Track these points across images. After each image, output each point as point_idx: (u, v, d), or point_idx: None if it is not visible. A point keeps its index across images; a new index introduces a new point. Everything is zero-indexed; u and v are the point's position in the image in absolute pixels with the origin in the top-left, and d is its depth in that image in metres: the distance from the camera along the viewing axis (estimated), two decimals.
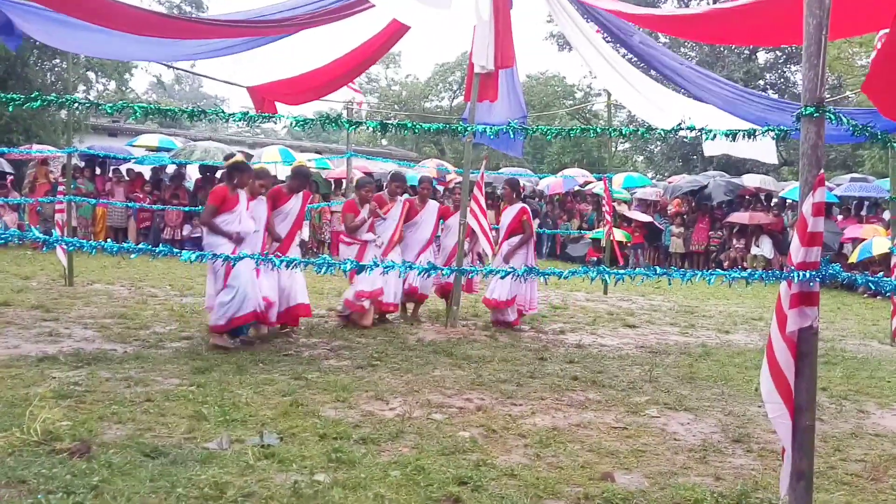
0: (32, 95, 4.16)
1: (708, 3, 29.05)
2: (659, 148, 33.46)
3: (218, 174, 17.10)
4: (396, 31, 8.53)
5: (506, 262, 8.41)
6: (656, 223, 18.49)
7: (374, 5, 7.24)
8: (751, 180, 18.66)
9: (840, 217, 16.68)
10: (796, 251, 3.28)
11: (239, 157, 6.94)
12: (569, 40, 8.53)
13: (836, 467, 4.39)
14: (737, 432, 4.97)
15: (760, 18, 5.25)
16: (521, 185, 9.50)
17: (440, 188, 16.93)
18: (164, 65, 15.03)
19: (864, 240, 14.42)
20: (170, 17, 8.26)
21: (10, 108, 4.31)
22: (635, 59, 8.24)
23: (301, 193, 7.58)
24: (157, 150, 19.14)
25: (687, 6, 30.32)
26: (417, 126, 4.77)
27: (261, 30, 7.55)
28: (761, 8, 4.96)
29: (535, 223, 19.03)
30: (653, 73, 8.40)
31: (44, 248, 5.21)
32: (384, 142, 35.38)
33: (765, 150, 8.51)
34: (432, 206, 8.83)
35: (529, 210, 9.07)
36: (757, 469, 4.30)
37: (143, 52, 8.07)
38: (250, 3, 7.76)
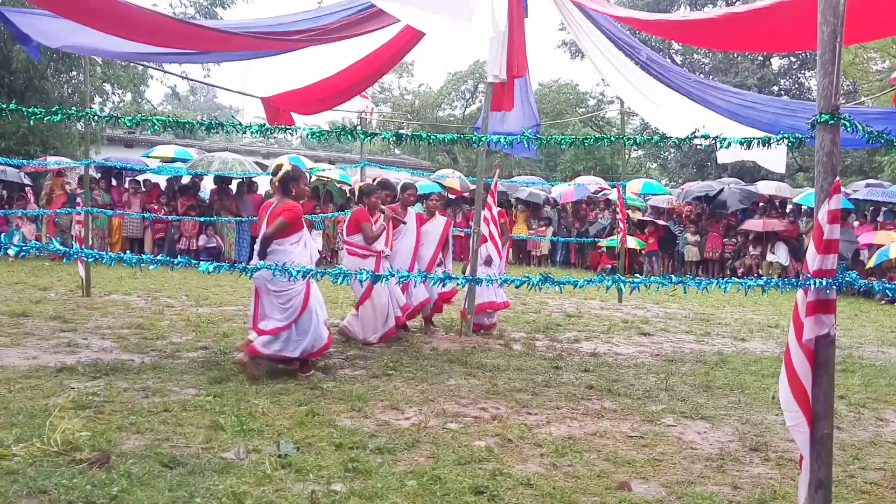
0: (53, 109, 4.20)
1: (721, 7, 28.93)
2: (673, 155, 33.37)
3: (233, 185, 17.26)
4: (409, 40, 8.56)
5: (487, 265, 8.59)
6: (672, 229, 18.41)
7: (394, 22, 7.26)
8: (765, 187, 18.56)
9: (856, 223, 16.56)
10: (812, 259, 3.27)
11: (288, 166, 6.44)
12: (581, 48, 8.52)
13: (855, 476, 4.36)
14: (754, 441, 4.94)
15: (774, 23, 5.23)
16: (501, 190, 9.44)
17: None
18: (181, 76, 15.15)
19: (880, 246, 14.33)
20: (187, 22, 8.28)
21: (32, 122, 4.34)
22: (647, 65, 8.18)
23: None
24: (174, 160, 19.29)
25: (700, 11, 30.21)
26: (432, 136, 4.79)
27: (280, 42, 7.57)
28: (775, 13, 4.94)
29: (549, 231, 19.16)
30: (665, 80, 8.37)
31: (65, 260, 5.27)
32: (397, 151, 35.47)
33: (774, 159, 8.44)
34: (412, 214, 8.68)
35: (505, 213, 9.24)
36: (775, 478, 4.27)
37: (158, 53, 8.09)
38: (266, 14, 7.81)
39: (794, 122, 6.79)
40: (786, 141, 3.86)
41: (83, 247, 9.89)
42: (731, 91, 8.15)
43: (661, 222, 18.29)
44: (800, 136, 3.81)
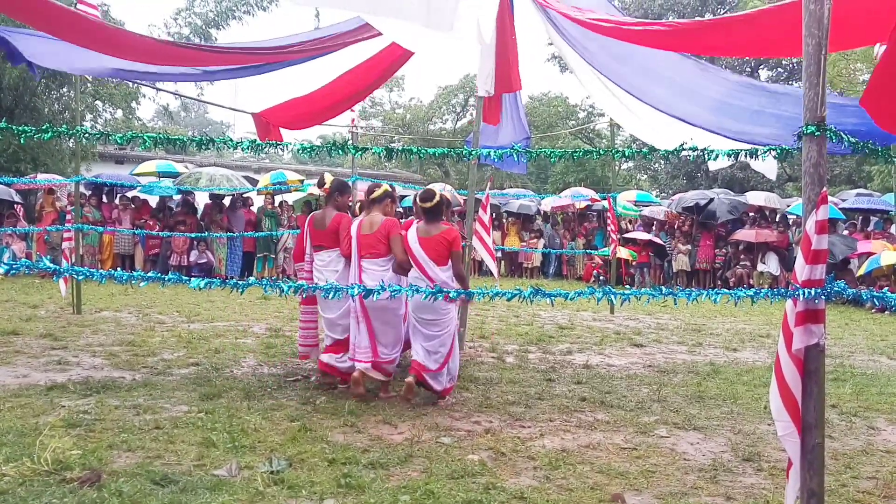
0: (43, 127, 4.20)
1: (710, 14, 29.06)
2: (663, 166, 33.50)
3: (226, 200, 17.19)
4: (400, 56, 8.59)
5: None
6: (662, 242, 18.41)
7: (377, 34, 7.29)
8: (755, 198, 18.64)
9: (845, 232, 16.65)
10: (801, 269, 3.29)
11: (439, 192, 6.29)
12: (567, 64, 8.54)
13: (848, 485, 4.37)
14: (747, 451, 4.95)
15: (761, 30, 5.25)
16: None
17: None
18: (173, 94, 15.15)
19: (872, 254, 14.42)
20: (178, 44, 8.32)
21: (22, 140, 4.35)
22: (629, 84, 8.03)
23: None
24: (158, 175, 19.20)
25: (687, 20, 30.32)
26: (422, 151, 4.81)
27: (266, 56, 7.59)
28: (761, 20, 4.96)
29: (541, 244, 19.20)
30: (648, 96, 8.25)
31: (55, 278, 5.31)
32: (388, 164, 35.48)
33: (767, 166, 8.40)
34: None
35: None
36: (768, 488, 4.28)
37: (150, 73, 8.12)
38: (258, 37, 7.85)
39: (779, 110, 6.46)
40: (773, 153, 3.90)
41: (71, 262, 9.87)
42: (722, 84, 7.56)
43: (657, 240, 18.30)
44: (786, 147, 3.85)
